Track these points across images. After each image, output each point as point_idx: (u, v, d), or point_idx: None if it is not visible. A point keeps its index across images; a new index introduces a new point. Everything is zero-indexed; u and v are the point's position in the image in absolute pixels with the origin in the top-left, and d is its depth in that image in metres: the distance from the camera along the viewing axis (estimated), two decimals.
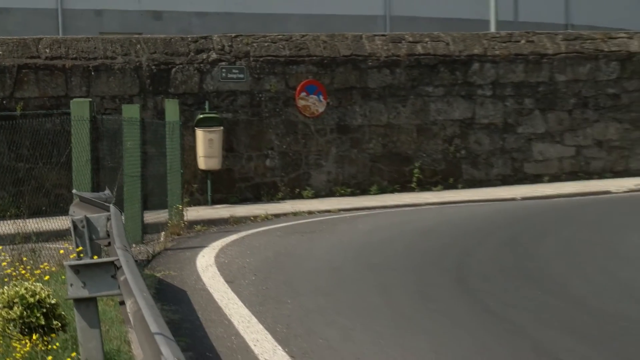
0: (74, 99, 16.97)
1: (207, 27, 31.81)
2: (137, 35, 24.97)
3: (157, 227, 18.15)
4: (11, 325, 8.45)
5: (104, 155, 17.46)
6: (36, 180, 19.51)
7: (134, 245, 15.09)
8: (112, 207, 10.62)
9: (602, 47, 27.60)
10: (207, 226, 19.73)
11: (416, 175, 25.44)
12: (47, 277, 10.33)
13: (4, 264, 11.34)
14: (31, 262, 12.16)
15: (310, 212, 21.66)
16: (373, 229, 18.21)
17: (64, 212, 13.63)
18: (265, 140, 24.37)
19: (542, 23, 38.67)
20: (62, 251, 13.18)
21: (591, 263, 13.14)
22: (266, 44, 24.63)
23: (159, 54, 23.62)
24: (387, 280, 12.37)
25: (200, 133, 22.99)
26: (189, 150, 22.68)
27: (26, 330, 8.42)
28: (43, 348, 8.33)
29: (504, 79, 26.50)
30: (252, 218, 20.85)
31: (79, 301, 8.13)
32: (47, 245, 14.04)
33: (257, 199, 24.06)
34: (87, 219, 9.89)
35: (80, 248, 9.70)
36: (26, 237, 13.83)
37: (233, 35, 24.79)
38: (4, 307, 8.48)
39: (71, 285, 8.06)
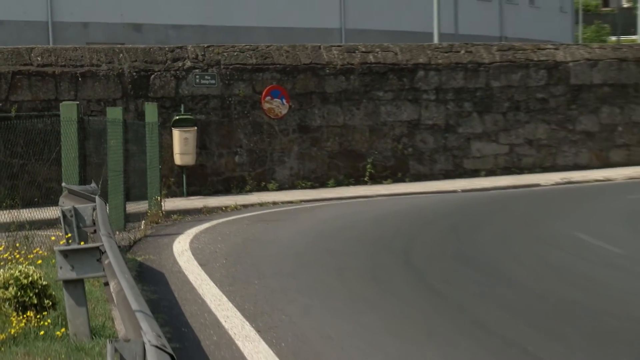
0: (63, 102, 16.85)
1: (183, 38, 31.70)
2: (119, 45, 24.82)
3: (137, 217, 18.06)
4: (7, 304, 8.41)
5: (90, 152, 17.33)
6: (29, 175, 19.37)
7: (117, 233, 15.00)
8: (97, 198, 10.56)
9: (532, 57, 27.74)
10: (183, 215, 19.66)
11: (369, 170, 25.46)
12: (39, 261, 10.26)
13: (0, 248, 11.25)
14: (25, 247, 12.08)
15: (274, 203, 21.64)
16: (331, 218, 18.22)
17: (54, 203, 13.54)
18: (235, 139, 24.30)
19: (479, 35, 38.86)
20: (52, 238, 13.09)
21: (523, 248, 13.20)
22: (235, 53, 24.56)
23: (139, 62, 23.49)
24: (343, 264, 12.38)
25: (176, 132, 22.89)
26: (166, 148, 22.57)
27: (20, 308, 8.38)
28: (36, 324, 8.29)
29: (446, 85, 26.57)
30: (222, 208, 20.79)
31: (67, 282, 8.09)
32: (39, 233, 13.95)
33: (227, 191, 23.99)
34: (75, 209, 9.83)
35: (69, 235, 9.64)
36: (20, 226, 13.73)
37: (205, 45, 24.70)
38: (0, 287, 8.43)
39: (61, 268, 8.02)
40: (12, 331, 8.09)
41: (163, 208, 19.12)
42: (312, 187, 24.73)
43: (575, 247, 12.98)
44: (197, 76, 23.95)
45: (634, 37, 51.94)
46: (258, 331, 8.63)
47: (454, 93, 26.64)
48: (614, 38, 58.27)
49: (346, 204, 21.37)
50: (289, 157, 24.82)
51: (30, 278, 8.34)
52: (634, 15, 54.04)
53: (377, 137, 25.75)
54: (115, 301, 7.43)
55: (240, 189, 24.11)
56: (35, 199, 17.12)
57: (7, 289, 8.34)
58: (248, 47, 24.98)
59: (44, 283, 8.45)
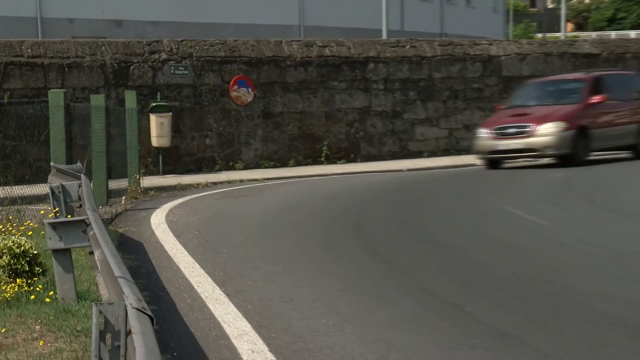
0: (51, 90, 16.66)
1: (159, 33, 31.48)
2: (102, 39, 24.57)
3: (118, 193, 17.94)
4: (0, 271, 8.33)
5: (76, 135, 17.16)
6: (21, 155, 19.17)
7: (100, 207, 14.90)
8: (82, 176, 10.47)
9: (469, 51, 27.82)
10: (159, 192, 19.55)
11: (325, 151, 25.46)
12: (30, 233, 10.16)
13: None
14: (17, 220, 11.96)
15: (241, 181, 21.58)
16: (291, 194, 18.20)
17: (44, 180, 13.41)
18: (205, 124, 24.17)
19: (422, 32, 38.95)
20: (42, 211, 13.00)
21: (460, 220, 13.25)
22: (206, 47, 24.40)
23: (120, 54, 23.26)
24: (303, 234, 12.37)
25: (153, 118, 22.73)
26: (144, 131, 22.41)
27: (13, 275, 8.30)
28: (27, 289, 8.22)
29: (393, 76, 26.59)
30: (195, 185, 20.70)
31: (56, 251, 8.02)
32: (30, 207, 13.84)
33: (199, 170, 23.89)
34: (63, 186, 9.73)
35: (57, 209, 9.55)
36: (13, 201, 13.61)
37: (179, 39, 24.51)
38: None
39: (50, 238, 7.95)
40: (7, 295, 8.01)
41: (141, 185, 19.01)
42: (275, 166, 24.70)
43: (507, 220, 13.05)
44: (172, 67, 23.78)
45: (557, 34, 52.31)
46: (227, 295, 8.61)
47: (400, 83, 26.68)
48: (540, 35, 58.64)
49: (305, 181, 21.37)
50: (254, 139, 24.76)
51: (22, 248, 8.26)
52: (557, 15, 54.39)
53: (332, 122, 25.74)
54: (99, 268, 7.38)
55: (211, 168, 24.02)
56: (27, 177, 16.96)
57: (0, 257, 8.25)
58: (217, 41, 24.84)
59: (35, 252, 8.37)
